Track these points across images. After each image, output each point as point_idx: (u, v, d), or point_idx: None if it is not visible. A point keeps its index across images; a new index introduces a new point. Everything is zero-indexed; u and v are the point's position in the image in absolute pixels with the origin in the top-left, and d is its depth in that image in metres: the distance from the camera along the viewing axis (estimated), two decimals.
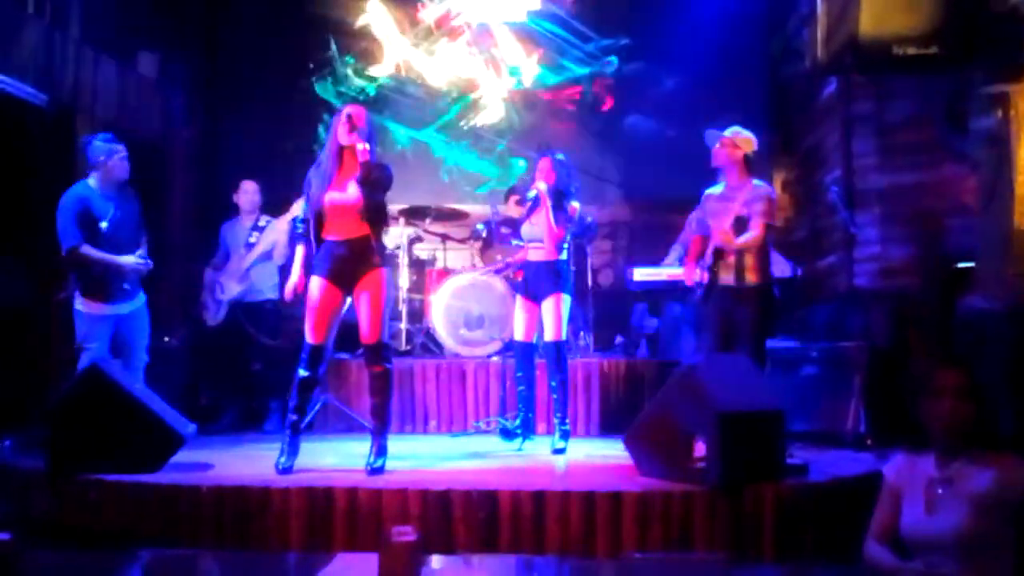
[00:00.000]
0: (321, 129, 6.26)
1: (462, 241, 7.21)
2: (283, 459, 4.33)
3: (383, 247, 4.46)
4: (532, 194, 5.25)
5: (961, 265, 4.79)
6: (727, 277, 4.76)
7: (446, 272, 6.76)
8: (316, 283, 4.40)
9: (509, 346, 6.25)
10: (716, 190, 4.99)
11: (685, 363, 4.55)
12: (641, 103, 6.85)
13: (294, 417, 4.44)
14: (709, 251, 4.80)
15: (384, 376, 4.40)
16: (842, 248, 5.79)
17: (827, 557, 3.65)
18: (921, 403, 2.70)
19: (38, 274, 6.04)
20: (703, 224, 4.97)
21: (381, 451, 4.37)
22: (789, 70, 7.21)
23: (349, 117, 4.36)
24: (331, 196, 4.38)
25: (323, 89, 7.03)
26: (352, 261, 4.36)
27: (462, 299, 6.42)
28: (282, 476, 4.19)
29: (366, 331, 4.36)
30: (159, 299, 5.68)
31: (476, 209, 7.29)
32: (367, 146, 4.31)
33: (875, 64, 4.90)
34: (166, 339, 6.24)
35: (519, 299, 5.33)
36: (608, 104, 7.25)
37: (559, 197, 5.21)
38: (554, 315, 5.17)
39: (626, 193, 7.67)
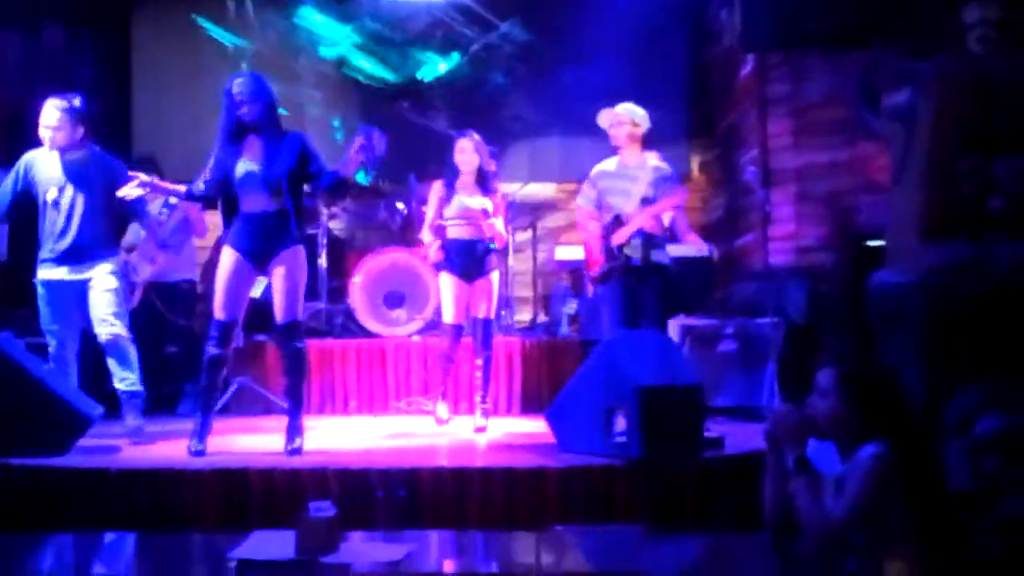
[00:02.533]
0: None
1: (383, 220, 7.11)
2: (194, 441, 4.22)
3: (301, 223, 4.33)
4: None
5: (871, 243, 4.92)
6: (627, 257, 4.84)
7: (366, 252, 6.67)
8: (228, 256, 4.26)
9: (431, 325, 6.22)
10: (608, 166, 5.04)
11: (604, 341, 4.59)
12: (558, 86, 6.84)
13: (205, 398, 4.34)
14: (621, 231, 4.86)
15: (298, 355, 4.30)
16: (758, 227, 5.90)
17: (742, 526, 3.72)
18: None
19: None
20: (597, 203, 5.03)
21: (297, 431, 4.29)
22: (708, 50, 7.29)
23: (229, 91, 4.25)
24: (242, 167, 4.25)
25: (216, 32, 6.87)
26: (267, 237, 4.25)
27: (383, 279, 6.35)
28: (195, 458, 4.09)
29: (280, 310, 4.26)
30: None
31: (390, 187, 7.21)
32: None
33: (790, 40, 5.00)
34: None
35: (448, 278, 5.21)
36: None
37: (485, 177, 5.19)
38: (487, 294, 5.14)
39: (543, 177, 7.66)
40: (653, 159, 5.02)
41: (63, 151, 4.64)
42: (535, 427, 5.06)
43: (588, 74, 6.23)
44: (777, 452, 2.69)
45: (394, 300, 6.35)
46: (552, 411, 4.49)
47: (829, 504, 2.63)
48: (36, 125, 4.73)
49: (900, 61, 3.69)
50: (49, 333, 4.67)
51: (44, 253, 4.67)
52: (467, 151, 5.16)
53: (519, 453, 4.38)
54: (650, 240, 4.85)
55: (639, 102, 5.05)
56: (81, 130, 4.65)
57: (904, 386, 2.91)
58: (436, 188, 5.27)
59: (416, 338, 6.21)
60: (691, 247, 5.46)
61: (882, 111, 3.68)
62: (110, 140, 7.45)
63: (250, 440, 4.68)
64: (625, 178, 4.96)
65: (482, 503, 3.77)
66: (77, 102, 4.67)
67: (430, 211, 5.30)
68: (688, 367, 4.42)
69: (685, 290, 5.41)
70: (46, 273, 4.65)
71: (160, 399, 6.03)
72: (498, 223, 5.15)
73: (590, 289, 6.43)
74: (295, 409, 4.33)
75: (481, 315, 5.16)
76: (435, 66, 7.33)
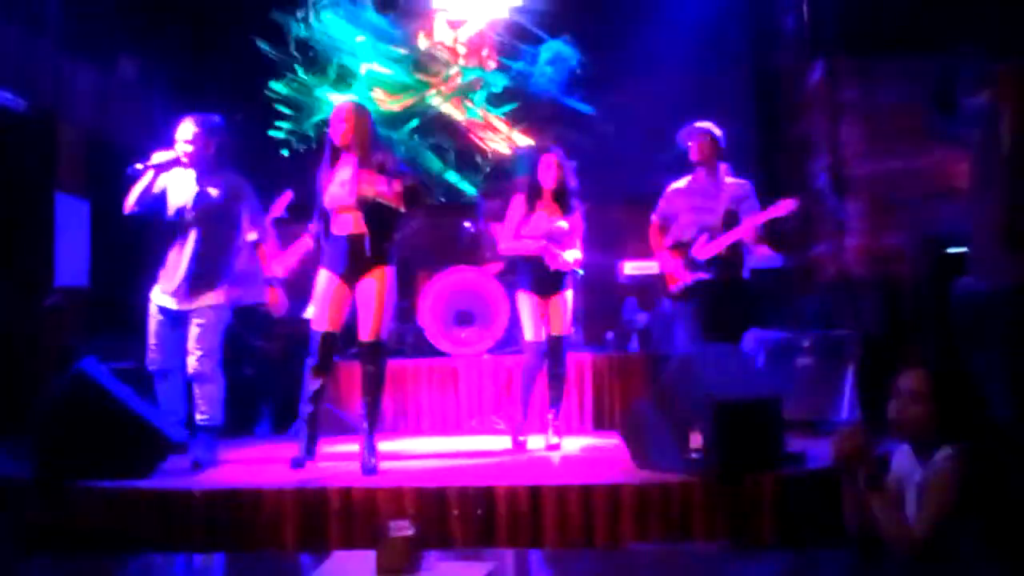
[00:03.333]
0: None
1: (451, 239, 7.15)
2: (300, 452, 4.35)
3: (391, 245, 4.42)
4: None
5: (953, 250, 4.79)
6: (713, 271, 4.79)
7: (434, 271, 6.70)
8: (323, 276, 4.41)
9: (502, 344, 6.22)
10: (686, 183, 5.01)
11: (678, 355, 4.54)
12: (620, 97, 6.79)
13: (309, 408, 4.42)
14: (700, 246, 4.82)
15: (378, 376, 4.37)
16: (831, 236, 5.79)
17: (825, 543, 3.63)
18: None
19: (21, 282, 5.98)
20: (670, 219, 4.99)
21: (373, 450, 4.33)
22: (773, 58, 7.20)
23: (336, 117, 4.39)
24: (331, 193, 4.39)
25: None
26: (358, 257, 4.33)
27: (452, 298, 6.37)
28: (295, 472, 4.24)
29: (365, 328, 4.33)
30: None
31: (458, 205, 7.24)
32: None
33: (862, 44, 4.90)
34: None
35: (525, 296, 5.17)
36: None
37: (567, 195, 5.16)
38: (562, 311, 5.12)
39: (607, 190, 7.62)
40: (729, 175, 4.99)
41: (197, 172, 4.61)
42: (607, 444, 5.01)
43: (649, 86, 6.20)
44: (848, 470, 2.64)
45: (464, 319, 6.37)
46: (626, 428, 4.44)
47: (910, 513, 2.57)
48: (111, 154, 4.84)
49: (979, 63, 3.58)
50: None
51: (163, 277, 4.59)
52: (551, 167, 5.14)
53: (594, 470, 4.34)
54: (737, 254, 4.82)
55: (703, 113, 5.02)
56: (214, 149, 4.63)
57: (988, 393, 2.83)
58: (516, 203, 5.24)
59: (487, 356, 6.21)
60: (764, 259, 5.39)
61: (960, 115, 3.58)
62: None
63: (326, 461, 4.72)
64: (705, 195, 4.93)
65: (558, 521, 3.74)
66: (215, 120, 4.69)
67: (510, 224, 5.23)
68: (766, 380, 4.36)
69: (759, 302, 5.33)
70: (159, 299, 4.61)
71: (237, 421, 6.15)
72: (569, 254, 5.11)
73: (660, 304, 6.39)
74: (371, 429, 4.37)
75: (556, 332, 5.13)
76: (496, 83, 7.36)
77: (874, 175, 5.62)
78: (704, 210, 4.90)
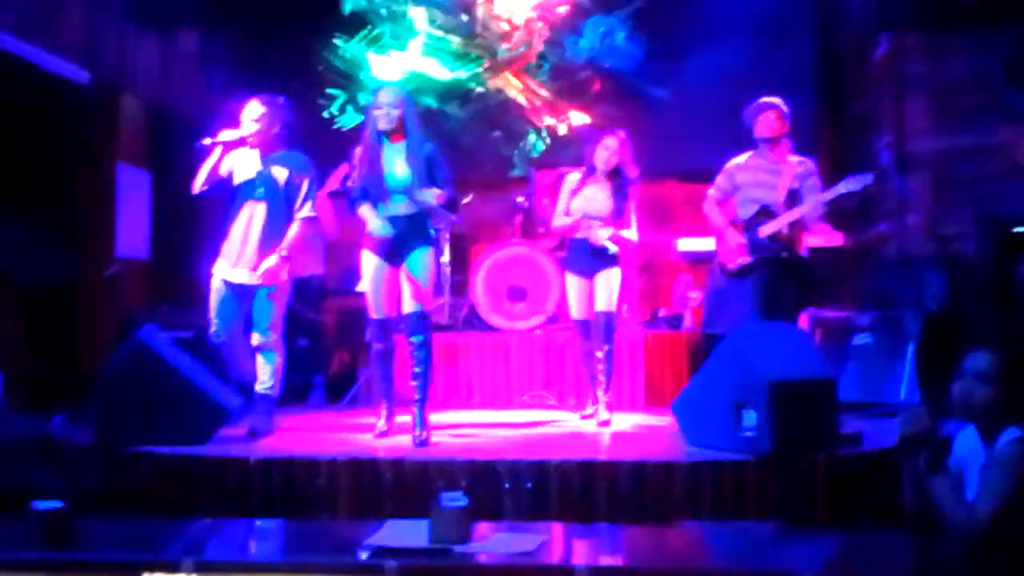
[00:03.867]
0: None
1: (505, 214, 7.14)
2: (381, 423, 4.56)
3: (432, 226, 4.51)
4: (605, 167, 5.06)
5: (1018, 229, 4.66)
6: (774, 248, 4.72)
7: (488, 246, 6.71)
8: (368, 261, 4.49)
9: (553, 319, 6.21)
10: (748, 159, 4.92)
11: (733, 333, 4.48)
12: (680, 72, 6.68)
13: (384, 386, 4.63)
14: (761, 223, 4.74)
15: (424, 346, 4.42)
16: (894, 214, 5.66)
17: (881, 524, 3.58)
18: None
19: (83, 251, 6.12)
20: (729, 195, 4.92)
21: (424, 423, 4.37)
22: (837, 32, 7.04)
23: (376, 100, 4.47)
24: (380, 172, 4.43)
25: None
26: (402, 239, 4.40)
27: (504, 273, 6.37)
28: (378, 440, 4.45)
29: (407, 300, 4.42)
30: None
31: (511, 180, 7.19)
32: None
33: (929, 18, 4.76)
34: None
35: (572, 275, 5.17)
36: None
37: (622, 181, 5.09)
38: (608, 288, 5.10)
39: (663, 165, 7.53)
40: (791, 153, 4.89)
41: (262, 151, 4.70)
42: (660, 421, 4.99)
43: (711, 60, 6.09)
44: (910, 453, 2.59)
45: (516, 294, 6.37)
46: (678, 405, 4.41)
47: (971, 496, 2.52)
48: (171, 126, 4.92)
49: None
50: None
51: (227, 251, 4.67)
52: (610, 149, 5.09)
53: (646, 447, 4.33)
54: (798, 232, 4.75)
55: (763, 88, 4.92)
56: (278, 129, 4.71)
57: None
58: (570, 180, 5.21)
59: (538, 332, 6.21)
60: (823, 237, 5.29)
61: None
62: None
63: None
64: (768, 171, 4.84)
65: (609, 496, 3.73)
66: (280, 101, 4.76)
67: (561, 201, 5.22)
68: (822, 360, 4.28)
69: (817, 281, 5.24)
70: (224, 272, 4.68)
71: (291, 391, 6.24)
72: (626, 232, 5.07)
73: (715, 281, 6.31)
74: (422, 401, 4.40)
75: (601, 308, 5.11)
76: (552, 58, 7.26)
77: (939, 152, 5.48)
78: (766, 187, 4.82)
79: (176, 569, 2.25)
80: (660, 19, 6.99)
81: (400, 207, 4.43)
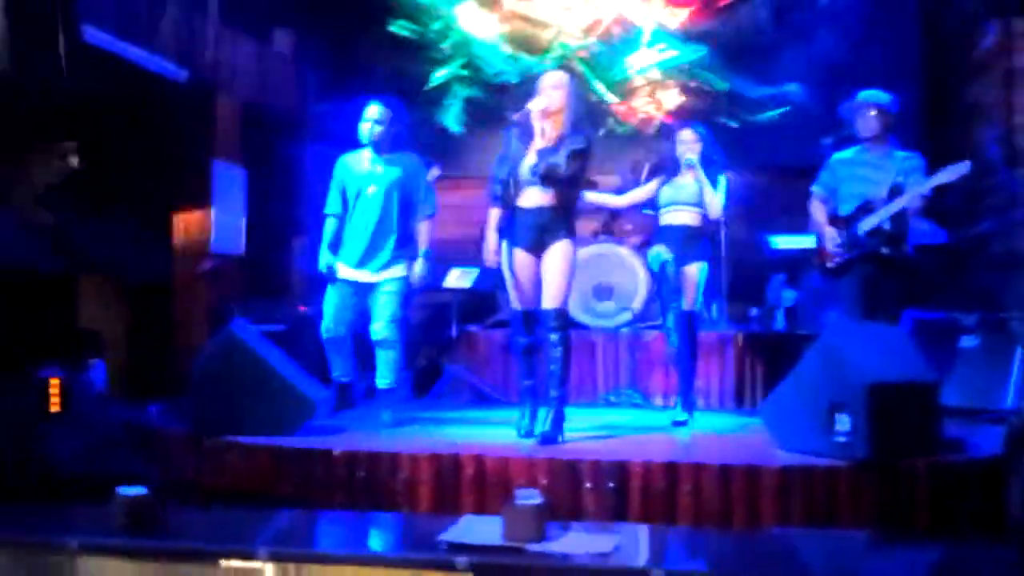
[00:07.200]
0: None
1: (590, 211, 7.05)
2: (524, 422, 4.44)
3: (573, 217, 4.43)
4: (691, 159, 4.98)
5: None
6: (873, 245, 4.54)
7: (576, 242, 6.62)
8: (513, 252, 4.42)
9: (640, 317, 6.11)
10: (851, 155, 4.75)
11: (828, 332, 4.32)
12: (779, 61, 6.48)
13: (528, 382, 4.49)
14: (862, 219, 4.56)
15: (563, 342, 4.34)
16: (1001, 210, 5.39)
17: (984, 536, 3.39)
18: None
19: (179, 248, 6.29)
20: (833, 191, 4.74)
21: (558, 420, 4.32)
22: (941, 21, 6.75)
23: (549, 84, 4.36)
24: (522, 162, 4.34)
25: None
26: (541, 230, 4.34)
27: (591, 271, 6.29)
28: (524, 440, 4.32)
29: (547, 296, 4.33)
30: None
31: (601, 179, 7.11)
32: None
33: None
34: (302, 308, 6.37)
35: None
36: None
37: (707, 167, 5.01)
38: (690, 283, 4.99)
39: (757, 160, 7.34)
40: (897, 147, 4.70)
41: (378, 150, 4.92)
42: (750, 423, 4.86)
43: (810, 50, 5.91)
44: (1018, 461, 2.44)
45: (603, 292, 6.29)
46: (768, 407, 4.28)
47: None
48: (266, 125, 5.05)
49: None
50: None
51: (347, 251, 4.92)
52: (687, 143, 5.01)
53: (733, 449, 4.22)
54: (901, 228, 4.55)
55: (865, 79, 4.74)
56: (394, 132, 4.93)
57: None
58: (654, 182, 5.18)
59: (625, 330, 6.12)
60: (927, 234, 5.06)
61: None
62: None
63: (462, 427, 4.77)
64: (872, 166, 4.66)
65: (694, 500, 3.63)
66: (397, 102, 5.00)
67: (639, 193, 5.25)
68: (922, 363, 4.07)
69: (920, 280, 5.01)
70: (345, 272, 4.90)
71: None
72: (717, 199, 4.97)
73: (811, 280, 6.12)
74: (559, 398, 4.34)
75: (683, 306, 4.99)
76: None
77: None
78: (869, 182, 4.64)
79: (252, 557, 2.27)
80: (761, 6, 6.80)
81: (537, 198, 4.33)
